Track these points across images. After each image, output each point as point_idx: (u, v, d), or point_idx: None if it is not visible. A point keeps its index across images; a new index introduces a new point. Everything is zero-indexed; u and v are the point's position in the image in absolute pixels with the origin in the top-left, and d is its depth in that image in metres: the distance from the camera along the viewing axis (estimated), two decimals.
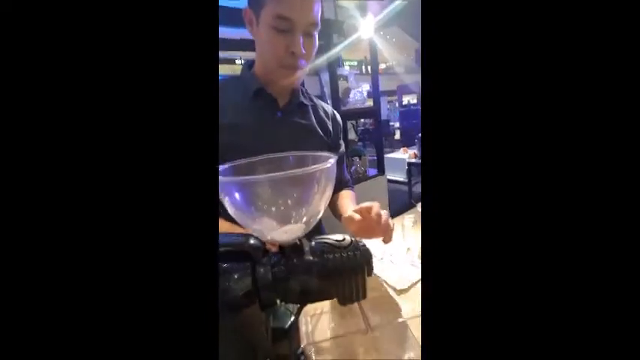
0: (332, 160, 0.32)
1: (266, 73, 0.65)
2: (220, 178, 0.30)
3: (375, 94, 2.09)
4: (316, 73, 2.01)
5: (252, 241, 0.33)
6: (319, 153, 0.35)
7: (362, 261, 0.35)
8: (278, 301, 0.34)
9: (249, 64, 0.69)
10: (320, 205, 0.36)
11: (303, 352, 0.41)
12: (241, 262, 0.33)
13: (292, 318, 0.40)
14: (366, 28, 1.76)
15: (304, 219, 0.35)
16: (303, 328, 0.48)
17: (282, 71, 0.61)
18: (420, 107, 2.27)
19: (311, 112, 0.74)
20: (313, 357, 0.43)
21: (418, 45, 3.39)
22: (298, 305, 0.34)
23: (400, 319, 0.51)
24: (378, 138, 2.30)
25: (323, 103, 0.81)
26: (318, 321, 0.51)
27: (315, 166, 0.32)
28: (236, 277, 0.32)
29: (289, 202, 0.34)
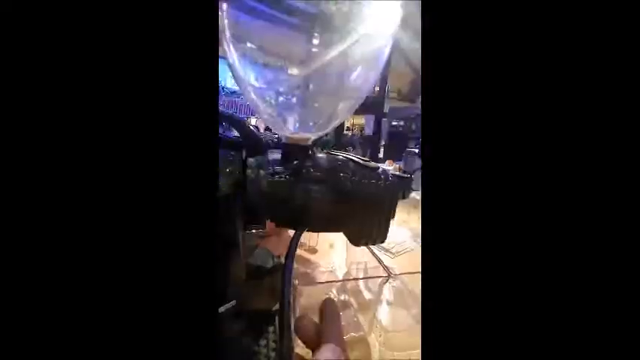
0: None
1: None
2: None
3: (382, 86, 2.09)
4: None
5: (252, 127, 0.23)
6: None
7: (393, 192, 0.26)
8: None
9: None
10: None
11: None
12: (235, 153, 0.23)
13: (275, 261, 0.30)
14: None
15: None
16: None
17: None
18: (406, 131, 2.41)
19: None
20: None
21: (414, 77, 3.48)
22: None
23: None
24: (375, 139, 2.33)
25: None
26: None
27: None
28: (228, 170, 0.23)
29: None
